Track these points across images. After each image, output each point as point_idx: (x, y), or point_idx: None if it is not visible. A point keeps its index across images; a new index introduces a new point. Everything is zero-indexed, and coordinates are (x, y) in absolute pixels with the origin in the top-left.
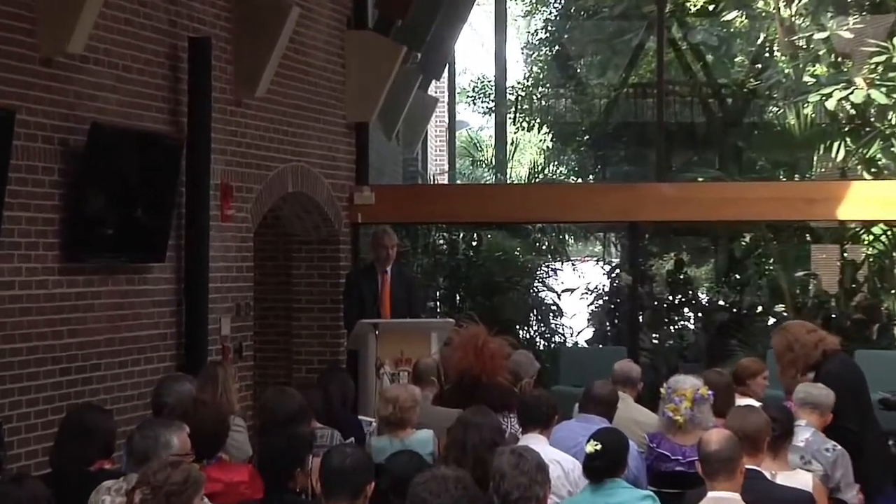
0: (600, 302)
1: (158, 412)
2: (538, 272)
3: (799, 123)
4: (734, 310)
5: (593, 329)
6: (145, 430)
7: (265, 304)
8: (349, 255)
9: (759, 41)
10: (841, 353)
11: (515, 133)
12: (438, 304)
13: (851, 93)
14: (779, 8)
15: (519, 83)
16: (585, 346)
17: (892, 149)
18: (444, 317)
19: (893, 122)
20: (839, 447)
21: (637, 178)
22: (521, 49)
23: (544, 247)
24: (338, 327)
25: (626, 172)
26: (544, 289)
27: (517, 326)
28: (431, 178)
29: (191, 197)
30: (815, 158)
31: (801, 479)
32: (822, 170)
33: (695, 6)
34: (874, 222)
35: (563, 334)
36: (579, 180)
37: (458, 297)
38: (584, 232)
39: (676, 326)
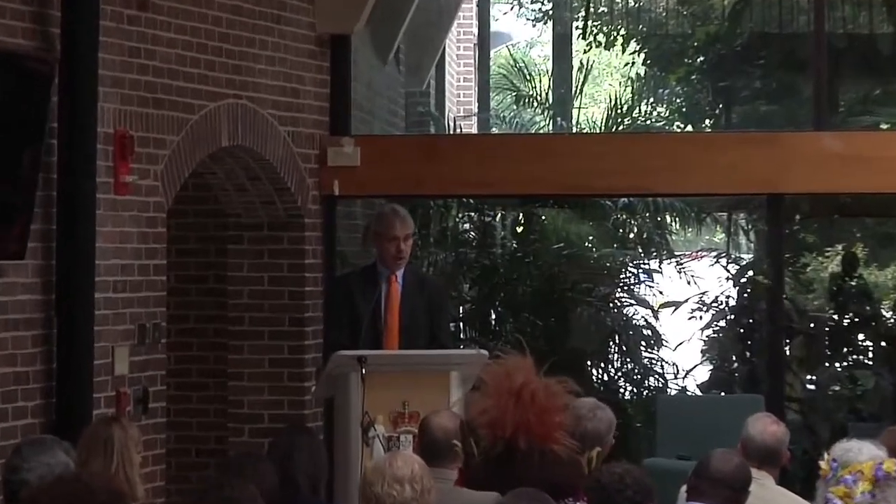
0: (722, 324)
1: (12, 498)
2: (622, 275)
3: None
4: None
5: (710, 367)
6: None
7: (185, 326)
8: (319, 248)
9: None
10: None
11: (587, 52)
12: (462, 324)
13: None
14: None
15: None
16: (698, 393)
17: None
18: (472, 345)
19: None
20: None
21: (782, 125)
22: None
23: (632, 235)
24: (301, 363)
25: (765, 115)
26: (632, 302)
27: (587, 362)
28: (451, 124)
29: (66, 154)
30: None
31: None
32: None
33: None
34: None
35: (661, 375)
36: (688, 128)
37: (493, 314)
38: (695, 211)
39: (845, 363)
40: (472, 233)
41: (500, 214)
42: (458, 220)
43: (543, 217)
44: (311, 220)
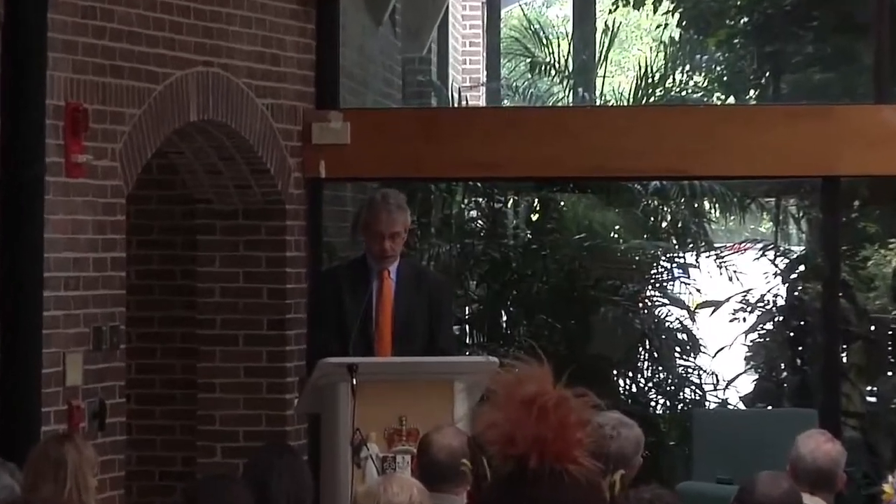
0: (768, 326)
1: None
2: (653, 270)
3: None
4: None
5: (755, 376)
6: None
7: (148, 330)
8: (302, 239)
9: None
10: None
11: (612, 12)
12: (468, 327)
13: None
14: None
15: None
16: (740, 406)
17: None
18: (479, 352)
19: None
20: None
21: (838, 97)
22: None
23: (664, 224)
24: (282, 372)
25: (818, 86)
26: (664, 301)
27: (613, 370)
28: (456, 95)
29: (9, 131)
30: None
31: None
32: None
33: None
34: None
35: (698, 385)
36: (730, 100)
37: (503, 315)
38: (738, 197)
39: None
40: (479, 221)
41: (512, 200)
42: (463, 206)
43: (562, 203)
44: (293, 207)
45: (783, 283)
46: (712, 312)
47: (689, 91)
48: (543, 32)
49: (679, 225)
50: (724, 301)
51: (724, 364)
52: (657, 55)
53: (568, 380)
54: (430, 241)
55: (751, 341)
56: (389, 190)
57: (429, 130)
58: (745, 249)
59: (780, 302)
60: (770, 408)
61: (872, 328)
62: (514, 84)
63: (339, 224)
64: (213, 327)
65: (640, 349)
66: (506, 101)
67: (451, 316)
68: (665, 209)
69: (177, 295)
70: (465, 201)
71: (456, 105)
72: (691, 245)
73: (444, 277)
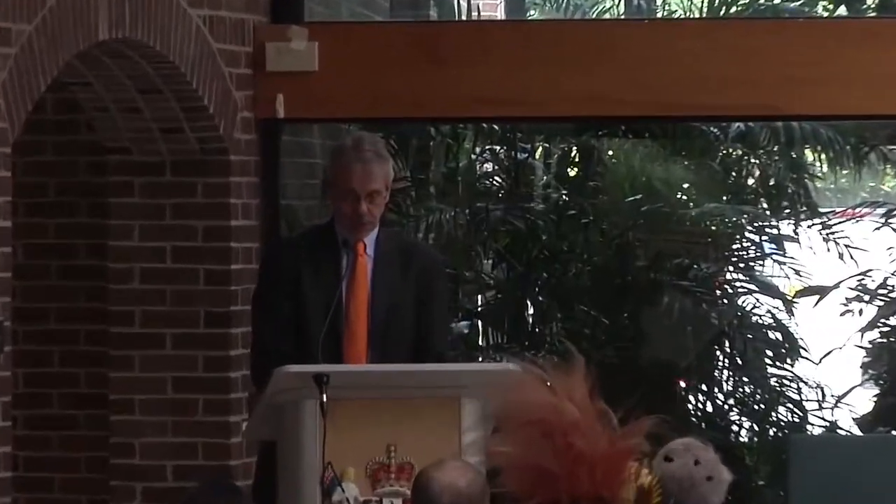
0: (893, 322)
1: None
2: (735, 245)
3: None
4: None
5: (875, 390)
6: None
7: (41, 327)
8: (253, 202)
9: None
10: None
11: None
12: (481, 323)
13: None
14: None
15: None
16: (855, 432)
17: None
18: (496, 356)
19: None
20: None
21: None
22: None
23: (751, 181)
24: (226, 386)
25: None
26: (751, 288)
27: (681, 383)
28: (465, 4)
29: None
30: None
31: None
32: None
33: None
34: None
35: (797, 403)
36: (840, 10)
37: (530, 307)
38: (852, 144)
39: None
40: (496, 178)
41: (541, 149)
42: (474, 157)
43: (610, 152)
44: (240, 158)
45: None
46: (817, 303)
47: None
48: None
49: (771, 183)
50: (832, 287)
51: (833, 373)
52: None
53: (615, 395)
54: (428, 204)
55: (869, 342)
56: (363, 133)
57: (428, 53)
58: (862, 216)
59: None
60: (894, 433)
61: None
62: None
63: (304, 181)
64: (130, 324)
65: (718, 353)
66: (533, 13)
67: (447, 306)
68: (752, 161)
69: (81, 279)
70: (477, 150)
71: (465, 18)
72: (788, 210)
73: (441, 255)
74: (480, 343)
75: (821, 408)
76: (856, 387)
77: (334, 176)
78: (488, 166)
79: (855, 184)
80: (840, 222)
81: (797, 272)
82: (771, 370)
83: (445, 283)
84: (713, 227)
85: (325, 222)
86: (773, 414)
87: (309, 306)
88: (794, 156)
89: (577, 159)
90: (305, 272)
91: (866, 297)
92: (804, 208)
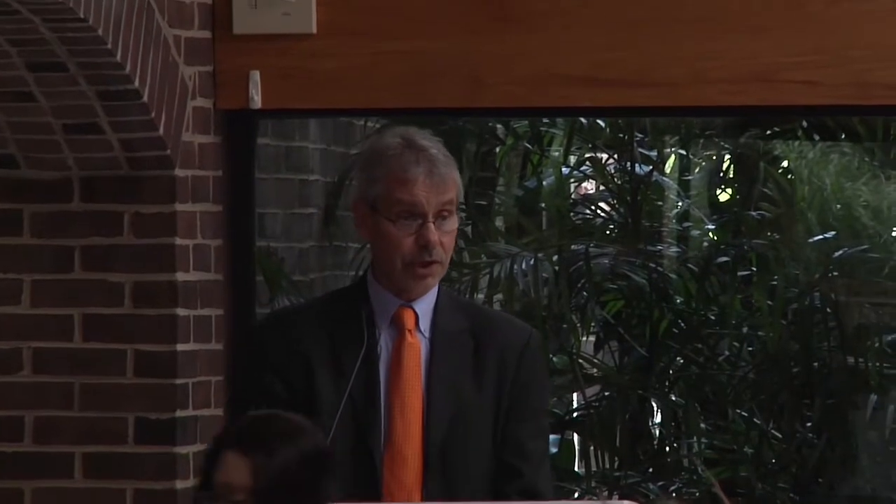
0: None
1: None
2: None
3: None
4: None
5: None
6: None
7: None
8: (212, 242)
9: None
10: None
11: None
12: (576, 435)
13: None
14: None
15: None
16: None
17: None
18: (599, 488)
19: None
20: None
21: None
22: None
23: None
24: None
25: None
26: None
27: None
28: None
29: None
30: None
31: None
32: None
33: None
34: None
35: None
36: None
37: (654, 410)
38: None
39: None
40: (603, 205)
41: (673, 158)
42: (567, 172)
43: (785, 164)
44: (191, 173)
45: None
46: None
47: None
48: None
49: None
50: None
51: None
52: None
53: None
54: (492, 246)
55: None
56: (413, 129)
57: (489, 7)
58: None
59: None
60: None
61: None
62: None
63: (295, 211)
64: (18, 438)
65: None
66: None
67: (544, 413)
68: None
69: None
70: (572, 160)
71: None
72: None
73: (533, 328)
74: (577, 469)
75: None
76: None
77: (381, 191)
78: (589, 185)
79: None
80: None
81: None
82: None
83: (543, 375)
84: None
85: (348, 287)
86: None
87: (325, 415)
88: None
89: (731, 174)
90: (319, 368)
91: None
92: None
